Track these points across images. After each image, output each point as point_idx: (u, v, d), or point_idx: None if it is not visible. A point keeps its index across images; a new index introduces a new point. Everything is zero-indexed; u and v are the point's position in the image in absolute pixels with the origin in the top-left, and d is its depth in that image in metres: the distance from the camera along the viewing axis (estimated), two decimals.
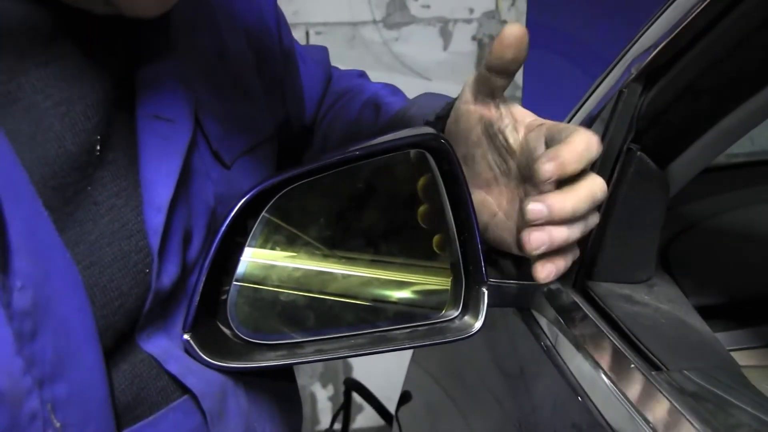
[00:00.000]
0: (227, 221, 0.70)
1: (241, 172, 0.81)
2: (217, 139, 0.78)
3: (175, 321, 0.73)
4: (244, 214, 0.71)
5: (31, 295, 0.57)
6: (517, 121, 0.79)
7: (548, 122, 0.78)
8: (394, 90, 1.03)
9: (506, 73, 0.74)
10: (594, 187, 0.74)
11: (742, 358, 0.94)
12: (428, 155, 0.77)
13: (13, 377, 0.55)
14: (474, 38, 2.99)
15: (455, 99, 0.84)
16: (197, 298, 0.71)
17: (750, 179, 1.36)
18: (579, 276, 1.00)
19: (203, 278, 0.71)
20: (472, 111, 0.77)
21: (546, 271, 0.75)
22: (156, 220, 0.68)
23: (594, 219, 0.77)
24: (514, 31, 0.71)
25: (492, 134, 0.78)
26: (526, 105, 0.80)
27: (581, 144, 0.71)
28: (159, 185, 0.68)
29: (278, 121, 0.93)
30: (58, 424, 0.58)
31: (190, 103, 0.73)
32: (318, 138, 1.04)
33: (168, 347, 0.72)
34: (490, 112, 0.77)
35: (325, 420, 3.19)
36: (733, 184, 1.33)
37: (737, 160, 1.53)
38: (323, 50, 1.11)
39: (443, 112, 0.86)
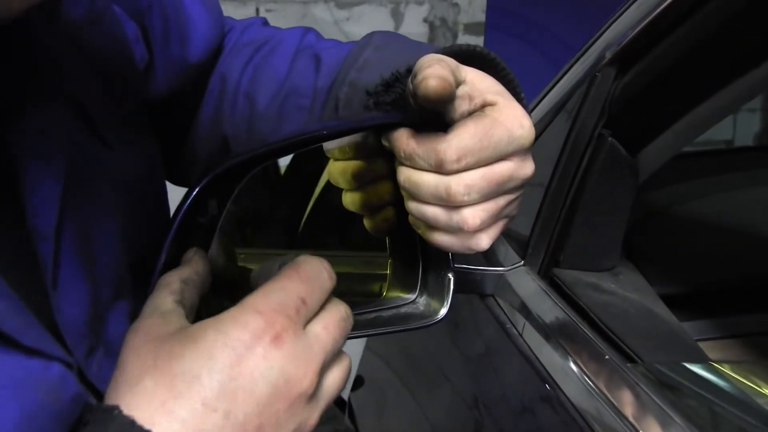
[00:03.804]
0: (184, 208, 0.65)
1: (123, 149, 0.69)
2: (103, 121, 0.66)
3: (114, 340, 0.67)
4: (203, 197, 0.67)
5: None
6: None
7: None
8: (318, 35, 0.92)
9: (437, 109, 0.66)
10: None
11: (705, 349, 0.93)
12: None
13: None
14: (425, 20, 2.96)
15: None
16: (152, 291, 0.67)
17: (714, 167, 1.36)
18: (545, 263, 0.99)
19: (158, 272, 0.66)
20: None
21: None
22: (46, 251, 0.56)
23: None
24: (430, 87, 0.58)
25: None
26: None
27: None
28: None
29: (143, 64, 0.81)
30: None
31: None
32: (241, 100, 0.90)
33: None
34: None
35: None
36: (697, 171, 1.33)
37: (698, 149, 1.54)
38: None
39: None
